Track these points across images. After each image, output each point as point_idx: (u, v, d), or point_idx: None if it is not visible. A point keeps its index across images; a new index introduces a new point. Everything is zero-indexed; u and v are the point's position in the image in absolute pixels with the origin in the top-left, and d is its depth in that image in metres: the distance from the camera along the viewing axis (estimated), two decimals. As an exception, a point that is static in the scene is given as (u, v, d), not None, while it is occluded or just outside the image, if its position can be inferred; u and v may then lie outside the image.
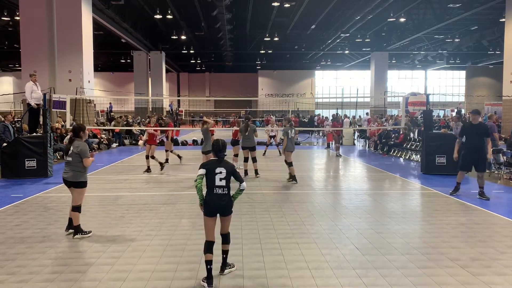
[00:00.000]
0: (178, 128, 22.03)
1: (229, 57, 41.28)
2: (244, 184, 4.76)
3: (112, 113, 34.29)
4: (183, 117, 41.16)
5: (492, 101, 36.98)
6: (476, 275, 4.75)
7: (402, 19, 23.34)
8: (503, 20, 18.94)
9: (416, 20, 25.39)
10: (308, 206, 8.44)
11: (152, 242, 5.98)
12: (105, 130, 21.55)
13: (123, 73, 48.09)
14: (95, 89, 22.28)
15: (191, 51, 36.77)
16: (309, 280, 4.66)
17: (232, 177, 4.74)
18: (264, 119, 31.09)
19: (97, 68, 22.99)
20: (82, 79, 19.14)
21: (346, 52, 35.94)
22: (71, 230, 6.32)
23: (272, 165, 14.72)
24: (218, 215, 4.73)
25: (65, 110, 14.42)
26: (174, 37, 31.07)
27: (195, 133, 27.25)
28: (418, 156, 15.08)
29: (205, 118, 11.44)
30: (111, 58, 42.11)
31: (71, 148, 6.24)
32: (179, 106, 43.27)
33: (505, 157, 11.82)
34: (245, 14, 25.66)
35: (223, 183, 4.68)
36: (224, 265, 4.83)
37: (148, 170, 12.58)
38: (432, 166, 12.31)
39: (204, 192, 4.71)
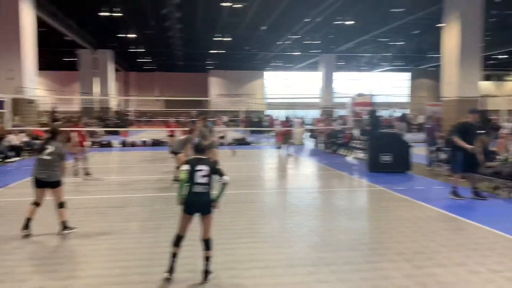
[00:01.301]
0: (127, 129, 21.45)
1: (180, 56, 40.78)
2: (225, 177, 4.69)
3: (56, 114, 32.80)
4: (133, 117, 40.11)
5: (433, 102, 39.00)
6: (419, 267, 4.99)
7: (350, 22, 24.09)
8: (442, 25, 20.01)
9: (362, 23, 26.28)
10: (259, 206, 8.50)
11: (100, 247, 5.79)
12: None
13: (68, 72, 46.12)
14: (38, 88, 21.23)
15: (140, 50, 35.95)
16: (261, 279, 4.70)
17: (214, 175, 4.68)
18: (215, 119, 30.99)
19: (41, 66, 21.86)
20: (21, 77, 18.18)
21: (296, 53, 36.55)
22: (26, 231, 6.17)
23: (223, 165, 14.69)
24: (197, 214, 4.66)
25: (4, 110, 13.65)
26: (122, 35, 30.25)
27: (145, 134, 26.68)
28: (364, 154, 15.59)
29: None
30: (55, 57, 40.27)
31: (49, 148, 6.25)
32: (127, 106, 42.20)
33: (445, 155, 12.47)
34: (195, 14, 25.46)
35: (205, 180, 4.60)
36: (207, 272, 4.65)
37: (87, 174, 11.87)
38: (377, 164, 12.77)
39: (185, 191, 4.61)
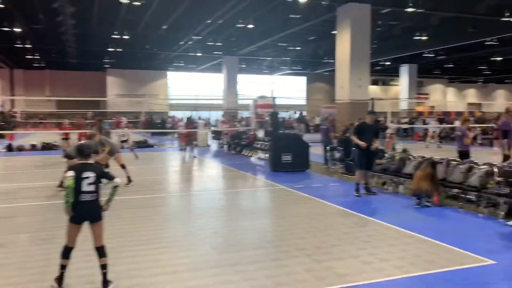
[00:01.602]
0: (13, 132, 19.52)
1: (74, 53, 38.14)
2: (117, 179, 4.45)
3: None
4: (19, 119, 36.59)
5: (328, 104, 41.49)
6: (319, 261, 5.25)
7: (251, 26, 24.60)
8: (335, 32, 21.36)
9: (263, 27, 27.01)
10: (164, 210, 8.30)
11: (-19, 264, 5.17)
12: None
13: None
14: None
15: (27, 45, 32.92)
16: (166, 285, 4.58)
17: (103, 180, 4.40)
18: (114, 121, 29.54)
19: None
20: None
21: (199, 54, 36.37)
22: None
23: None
24: (86, 222, 4.38)
25: None
26: (6, 28, 27.42)
27: (34, 137, 24.52)
28: (267, 155, 16.04)
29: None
30: None
31: None
32: (13, 107, 38.39)
33: (339, 154, 13.32)
34: (91, 9, 24.03)
35: (92, 188, 4.33)
36: (106, 282, 4.36)
37: None
38: (279, 163, 13.21)
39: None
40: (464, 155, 10.07)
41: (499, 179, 7.73)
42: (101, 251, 4.46)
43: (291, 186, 10.51)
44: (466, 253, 5.49)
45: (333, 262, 5.22)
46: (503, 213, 7.39)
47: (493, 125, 18.66)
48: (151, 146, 22.56)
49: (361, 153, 9.24)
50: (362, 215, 7.61)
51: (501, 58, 36.77)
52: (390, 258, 5.35)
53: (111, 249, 5.58)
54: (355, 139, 9.35)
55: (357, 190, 9.32)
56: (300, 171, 13.10)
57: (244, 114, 39.23)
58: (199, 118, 26.09)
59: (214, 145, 23.48)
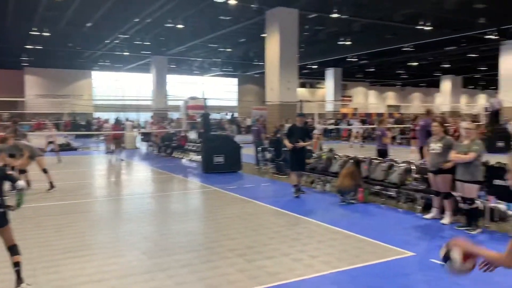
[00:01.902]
0: None
1: (-15, 50, 35.18)
2: (19, 183, 4.16)
3: None
4: None
5: (259, 106, 42.06)
6: (250, 261, 5.30)
7: (180, 26, 24.25)
8: (265, 35, 21.73)
9: (193, 28, 26.75)
10: (90, 216, 7.92)
11: None
12: None
13: None
14: None
15: None
16: (93, 295, 4.37)
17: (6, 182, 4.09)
18: (34, 123, 27.69)
19: None
20: None
21: (126, 53, 35.18)
22: None
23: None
24: None
25: None
26: None
27: None
28: (199, 156, 15.91)
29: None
30: None
31: None
32: None
33: (270, 154, 13.57)
34: (5, 3, 22.32)
35: None
36: (20, 279, 4.14)
37: None
38: (211, 165, 13.17)
39: None
40: (382, 153, 10.72)
41: (416, 176, 8.32)
42: (13, 250, 4.28)
43: (223, 187, 10.52)
44: (388, 246, 5.84)
45: (265, 261, 5.30)
46: (420, 207, 7.96)
47: (411, 125, 20.00)
48: (74, 149, 21.46)
49: (291, 155, 9.45)
50: (293, 214, 7.81)
51: (416, 64, 39.62)
52: (319, 254, 5.54)
53: (30, 260, 5.24)
54: (285, 141, 9.58)
55: (296, 191, 9.44)
56: (232, 172, 13.15)
57: (175, 115, 38.60)
58: (127, 120, 25.21)
59: (143, 147, 22.84)
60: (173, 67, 41.14)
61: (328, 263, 5.20)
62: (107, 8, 21.66)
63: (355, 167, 8.90)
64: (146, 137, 23.21)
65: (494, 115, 20.16)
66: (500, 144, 17.95)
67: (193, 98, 23.67)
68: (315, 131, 19.18)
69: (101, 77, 47.42)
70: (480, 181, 6.59)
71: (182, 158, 17.90)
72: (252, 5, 18.80)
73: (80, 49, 34.40)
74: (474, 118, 29.26)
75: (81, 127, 31.69)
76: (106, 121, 25.94)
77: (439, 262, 5.22)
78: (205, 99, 14.89)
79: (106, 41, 31.07)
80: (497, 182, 6.63)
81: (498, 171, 6.60)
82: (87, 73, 45.68)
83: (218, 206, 8.57)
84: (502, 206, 7.29)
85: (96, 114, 39.39)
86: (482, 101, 55.47)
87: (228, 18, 22.75)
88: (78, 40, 32.29)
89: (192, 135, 21.80)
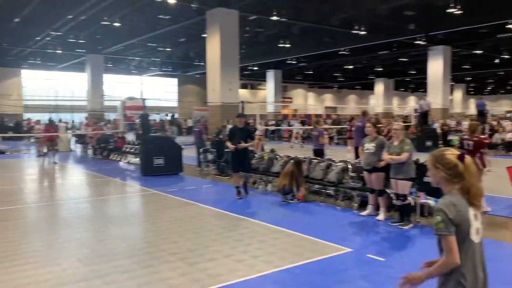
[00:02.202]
0: None
1: None
2: None
3: None
4: None
5: (200, 107, 41.71)
6: (192, 264, 5.23)
7: (117, 24, 23.46)
8: (205, 35, 21.59)
9: (130, 26, 25.98)
10: (21, 223, 7.44)
11: None
12: None
13: None
14: None
15: None
16: (23, 307, 4.11)
17: None
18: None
19: None
20: None
21: (59, 51, 33.45)
22: None
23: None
24: None
25: None
26: None
27: None
28: (138, 158, 15.49)
29: None
30: None
31: None
32: None
33: (212, 155, 13.50)
34: None
35: None
36: None
37: None
38: (151, 167, 12.87)
39: None
40: (319, 153, 11.07)
41: (352, 174, 8.65)
42: None
43: (164, 190, 10.32)
44: (327, 244, 6.02)
45: (207, 263, 5.26)
46: (356, 204, 8.29)
47: (347, 126, 20.78)
48: (2, 152, 20.09)
49: (233, 156, 9.41)
50: (235, 215, 7.82)
51: (352, 67, 41.25)
52: (261, 254, 5.59)
53: (-49, 273, 4.82)
54: (227, 142, 9.55)
55: (238, 193, 9.39)
56: (173, 175, 12.94)
57: (112, 116, 37.32)
58: (60, 121, 24.00)
59: (77, 150, 21.85)
60: (110, 66, 39.74)
61: (270, 263, 5.26)
62: (37, 3, 20.49)
63: (296, 167, 9.08)
64: (81, 139, 22.22)
65: (423, 116, 21.46)
66: (429, 143, 19.13)
67: (131, 99, 23.06)
68: (257, 132, 19.38)
69: (32, 76, 44.72)
70: (413, 178, 6.99)
71: (119, 160, 17.35)
72: (192, 5, 18.61)
73: (7, 45, 32.18)
74: (405, 119, 30.97)
75: (9, 129, 29.69)
76: (38, 122, 24.49)
77: (375, 257, 5.47)
78: (144, 99, 14.51)
79: (36, 38, 29.36)
80: (427, 179, 7.05)
81: (427, 169, 7.03)
82: (16, 71, 42.80)
83: (158, 210, 8.39)
84: (431, 201, 7.77)
85: (26, 115, 37.10)
86: (412, 103, 58.82)
87: (167, 17, 22.35)
88: (5, 36, 30.23)
89: (130, 136, 21.17)
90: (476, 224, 2.32)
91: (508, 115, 43.26)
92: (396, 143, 6.99)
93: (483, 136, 8.80)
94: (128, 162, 16.67)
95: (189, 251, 5.74)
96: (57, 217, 7.99)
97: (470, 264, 2.29)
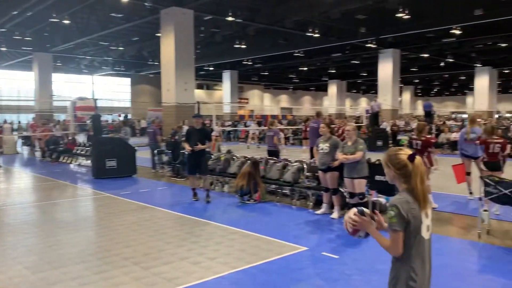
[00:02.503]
0: None
1: None
2: None
3: None
4: None
5: (154, 107, 40.94)
6: (147, 268, 5.12)
7: (66, 21, 22.59)
8: (159, 34, 21.22)
9: (81, 24, 25.10)
10: (-42, 231, 6.98)
11: None
12: None
13: None
14: None
15: None
16: (-36, 320, 3.86)
17: None
18: None
19: None
20: None
21: (3, 49, 31.77)
22: None
23: None
24: None
25: None
26: None
27: None
28: (89, 161, 15.00)
29: None
30: None
31: None
32: None
33: (167, 157, 13.28)
34: None
35: None
36: None
37: None
38: (103, 170, 12.49)
39: None
40: (273, 153, 11.19)
41: (307, 174, 8.79)
42: None
43: (117, 193, 10.05)
44: (283, 243, 6.08)
45: (163, 267, 5.16)
46: (311, 203, 8.43)
47: (302, 127, 21.11)
48: None
49: (190, 158, 9.26)
50: (191, 217, 7.74)
51: (306, 68, 41.97)
52: (217, 256, 5.56)
53: None
54: (184, 144, 9.44)
55: (194, 194, 9.27)
56: (126, 177, 12.63)
57: (61, 117, 35.93)
58: (5, 122, 22.80)
59: (24, 152, 20.84)
60: (59, 65, 38.21)
61: (227, 264, 5.24)
62: (-22, -3, 19.40)
63: (253, 167, 9.11)
64: (28, 140, 21.21)
65: (374, 117, 22.18)
66: (379, 143, 19.79)
67: (82, 99, 22.25)
68: (214, 133, 19.27)
69: (-27, 74, 42.20)
70: (367, 176, 7.18)
71: (70, 163, 16.72)
72: (146, 4, 18.24)
73: None
74: (357, 119, 31.89)
75: None
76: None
77: (329, 254, 5.58)
78: (95, 99, 14.05)
79: (-22, 34, 27.76)
80: (378, 177, 7.29)
81: (378, 167, 7.26)
82: (-46, 69, 40.28)
83: (111, 213, 8.15)
84: (382, 199, 8.05)
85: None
86: (363, 104, 60.72)
87: (120, 15, 21.76)
88: None
89: (81, 138, 20.45)
90: (426, 222, 2.43)
91: (453, 115, 45.59)
92: (349, 143, 7.17)
93: (429, 136, 9.22)
94: (79, 165, 16.11)
95: (143, 255, 5.61)
96: (2, 222, 7.57)
97: (420, 259, 2.42)
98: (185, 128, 15.82)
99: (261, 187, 9.04)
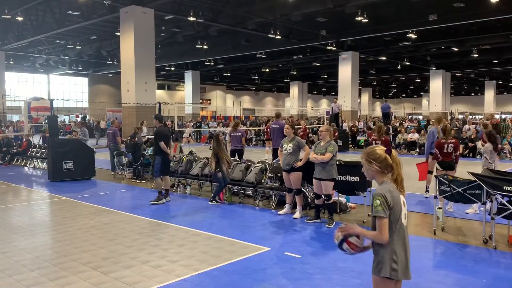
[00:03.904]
0: None
1: None
2: None
3: None
4: None
5: (113, 108, 39.95)
6: (107, 273, 4.99)
7: (20, 18, 21.69)
8: (119, 33, 20.74)
9: (35, 21, 24.17)
10: None
11: None
12: None
13: None
14: None
15: None
16: None
17: None
18: None
19: None
20: None
21: None
22: None
23: None
24: None
25: None
26: None
27: None
28: (45, 163, 14.46)
29: None
30: None
31: None
32: None
33: (127, 159, 13.00)
34: None
35: None
36: None
37: None
38: (60, 172, 12.09)
39: None
40: (239, 152, 11.21)
41: (270, 174, 8.85)
42: None
43: (75, 196, 9.74)
44: (246, 244, 6.09)
45: (123, 271, 5.05)
46: (274, 204, 8.49)
47: (265, 128, 21.24)
48: None
49: (167, 159, 9.39)
50: (152, 220, 7.61)
51: (268, 70, 42.24)
52: (179, 258, 5.50)
53: None
54: (162, 145, 9.12)
55: (166, 195, 9.25)
56: (84, 179, 12.28)
57: (15, 117, 34.46)
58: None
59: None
60: (12, 64, 36.59)
61: (189, 266, 5.19)
62: None
63: (215, 142, 8.97)
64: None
65: (335, 117, 22.62)
66: (340, 143, 20.19)
67: (37, 99, 21.41)
68: (185, 134, 19.07)
69: None
70: (335, 178, 7.16)
71: (24, 165, 16.05)
72: (105, 1, 17.79)
73: None
74: (318, 120, 32.42)
75: None
76: None
77: (292, 254, 5.65)
78: (52, 99, 13.56)
79: None
80: (339, 177, 7.42)
81: (339, 168, 7.40)
82: None
83: (68, 217, 7.89)
84: (342, 199, 8.22)
85: None
86: (324, 105, 61.79)
87: (77, 13, 21.10)
88: None
89: (36, 139, 19.67)
90: (404, 210, 2.77)
91: (410, 117, 47.21)
92: (322, 143, 7.20)
93: (386, 136, 9.53)
94: (34, 167, 15.50)
95: (103, 259, 5.47)
96: (-51, 230, 7.17)
97: (401, 242, 2.71)
98: (145, 129, 15.55)
99: (224, 163, 8.89)
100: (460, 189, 6.22)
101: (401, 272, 2.67)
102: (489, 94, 50.26)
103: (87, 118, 41.52)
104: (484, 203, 6.14)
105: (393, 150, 2.83)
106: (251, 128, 28.66)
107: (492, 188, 5.84)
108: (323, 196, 7.12)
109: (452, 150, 8.04)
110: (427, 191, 9.34)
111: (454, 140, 8.17)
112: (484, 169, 7.30)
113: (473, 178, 6.16)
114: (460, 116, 39.86)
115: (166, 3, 19.34)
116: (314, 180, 7.23)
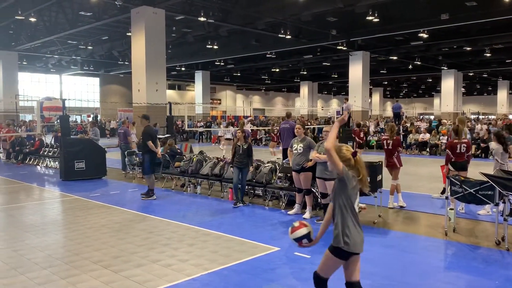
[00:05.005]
0: None
1: None
2: None
3: None
4: None
5: (125, 108, 40.28)
6: (118, 271, 5.03)
7: (33, 19, 21.95)
8: (130, 34, 20.88)
9: (48, 22, 24.43)
10: None
11: None
12: None
13: None
14: None
15: None
16: None
17: None
18: None
19: None
20: None
21: (-36, 46, 30.59)
22: None
23: None
24: None
25: None
26: None
27: None
28: (57, 162, 14.62)
29: None
30: None
31: None
32: None
33: (138, 158, 13.07)
34: None
35: None
36: None
37: None
38: (72, 171, 12.22)
39: None
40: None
41: (280, 174, 8.84)
42: None
43: (86, 196, 9.84)
44: (256, 243, 6.09)
45: (134, 270, 5.09)
46: (284, 204, 8.48)
47: (275, 128, 21.22)
48: None
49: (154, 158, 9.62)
50: (162, 219, 7.66)
51: (278, 70, 42.18)
52: (189, 258, 5.52)
53: None
54: (150, 144, 9.41)
55: (148, 193, 9.56)
56: (96, 179, 12.39)
57: (28, 117, 34.88)
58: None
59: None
60: (25, 64, 37.05)
61: (199, 266, 5.21)
62: None
63: (241, 131, 9.00)
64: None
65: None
66: (350, 143, 20.09)
67: (49, 99, 21.64)
68: (220, 133, 19.05)
69: None
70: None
71: (36, 165, 16.24)
72: (116, 2, 17.92)
73: None
74: (329, 120, 32.28)
75: None
76: None
77: (301, 254, 5.63)
78: (64, 99, 13.70)
79: None
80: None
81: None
82: None
83: (80, 216, 7.97)
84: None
85: None
86: (334, 105, 61.54)
87: (89, 14, 21.29)
88: None
89: (49, 139, 19.90)
90: (357, 200, 3.25)
91: (421, 117, 46.83)
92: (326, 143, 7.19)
93: (398, 136, 9.46)
94: (47, 167, 15.68)
95: (114, 258, 5.51)
96: (-37, 228, 7.29)
97: (353, 222, 3.19)
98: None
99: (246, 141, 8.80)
100: (472, 190, 6.15)
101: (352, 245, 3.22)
102: (502, 94, 49.61)
103: (99, 118, 41.87)
104: (497, 204, 6.06)
105: (357, 154, 3.24)
106: (260, 128, 28.63)
107: (504, 189, 5.77)
108: (329, 195, 7.11)
109: (465, 150, 7.98)
110: (442, 192, 9.24)
111: (466, 141, 8.11)
112: (496, 170, 7.21)
113: (485, 178, 6.09)
114: (473, 116, 39.40)
115: (176, 4, 19.41)
116: (317, 180, 7.23)
